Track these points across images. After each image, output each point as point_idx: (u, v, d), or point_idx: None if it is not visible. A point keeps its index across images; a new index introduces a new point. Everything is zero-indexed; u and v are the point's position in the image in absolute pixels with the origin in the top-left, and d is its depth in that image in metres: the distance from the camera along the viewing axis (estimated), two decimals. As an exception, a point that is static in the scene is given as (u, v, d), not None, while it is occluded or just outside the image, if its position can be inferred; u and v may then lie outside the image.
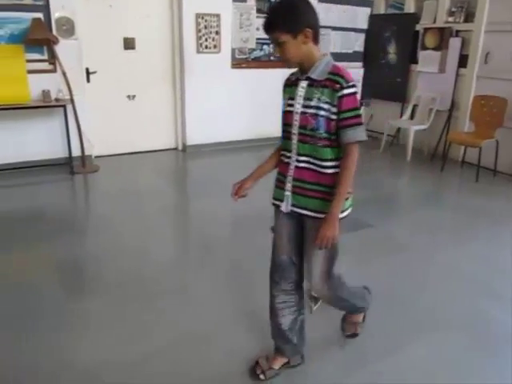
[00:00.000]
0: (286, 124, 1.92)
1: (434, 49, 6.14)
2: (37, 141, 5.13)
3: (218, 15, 5.85)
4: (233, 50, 6.16)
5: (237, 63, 6.24)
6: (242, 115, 6.43)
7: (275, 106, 6.57)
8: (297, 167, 1.90)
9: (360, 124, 1.80)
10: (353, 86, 1.77)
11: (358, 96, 2.99)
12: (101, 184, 4.96)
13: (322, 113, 1.78)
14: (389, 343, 2.42)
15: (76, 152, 5.16)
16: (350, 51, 7.22)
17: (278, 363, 2.16)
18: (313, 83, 1.80)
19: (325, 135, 1.81)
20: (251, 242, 3.59)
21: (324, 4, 6.69)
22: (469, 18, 5.77)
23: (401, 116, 6.66)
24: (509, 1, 5.28)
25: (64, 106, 4.92)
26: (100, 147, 5.62)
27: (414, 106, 6.42)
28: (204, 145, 6.23)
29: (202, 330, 2.47)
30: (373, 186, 5.03)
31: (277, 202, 2.01)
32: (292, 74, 1.95)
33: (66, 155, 5.10)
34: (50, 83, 4.94)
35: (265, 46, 6.37)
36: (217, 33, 5.92)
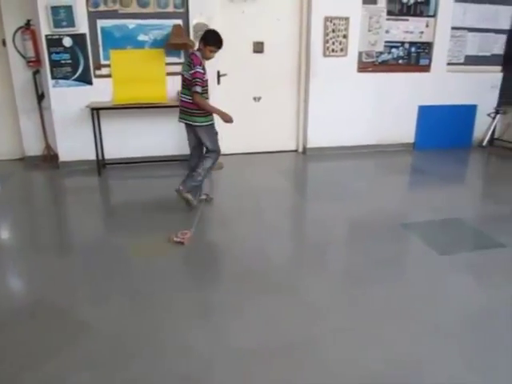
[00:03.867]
0: (207, 86, 3.96)
1: None
2: (171, 138, 5.56)
3: (346, 18, 5.81)
4: (359, 54, 6.06)
5: (363, 67, 6.13)
6: (366, 120, 6.30)
7: (402, 111, 6.39)
8: None
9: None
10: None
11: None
12: (225, 181, 5.22)
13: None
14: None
15: (203, 150, 5.49)
16: (488, 54, 6.68)
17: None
18: None
19: None
20: (367, 248, 3.50)
21: (461, 4, 6.29)
22: None
23: (545, 126, 6.00)
24: None
25: (196, 106, 5.25)
26: (226, 146, 5.88)
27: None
28: (324, 148, 6.22)
29: (309, 334, 2.47)
30: (506, 203, 4.59)
31: (212, 122, 4.04)
32: (201, 61, 3.85)
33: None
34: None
35: (393, 50, 6.17)
36: (344, 36, 5.87)
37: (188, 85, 3.86)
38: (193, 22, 5.29)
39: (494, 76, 6.79)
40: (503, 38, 6.66)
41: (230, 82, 5.75)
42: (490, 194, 5.15)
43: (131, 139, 5.53)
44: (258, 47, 5.79)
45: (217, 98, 5.57)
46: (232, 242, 3.59)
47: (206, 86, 3.92)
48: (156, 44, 5.27)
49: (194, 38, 5.27)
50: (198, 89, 3.78)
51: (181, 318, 2.58)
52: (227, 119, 3.97)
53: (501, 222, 4.09)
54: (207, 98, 3.98)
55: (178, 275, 3.11)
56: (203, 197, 4.40)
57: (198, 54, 3.85)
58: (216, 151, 4.10)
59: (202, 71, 3.79)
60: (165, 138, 5.56)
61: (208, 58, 3.92)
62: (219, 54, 5.48)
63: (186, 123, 4.04)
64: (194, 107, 3.89)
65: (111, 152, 5.55)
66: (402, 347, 2.37)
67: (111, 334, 2.42)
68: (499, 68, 6.79)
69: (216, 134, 4.13)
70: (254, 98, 5.98)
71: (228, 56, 5.65)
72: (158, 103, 5.16)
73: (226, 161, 5.68)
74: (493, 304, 2.79)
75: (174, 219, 4.00)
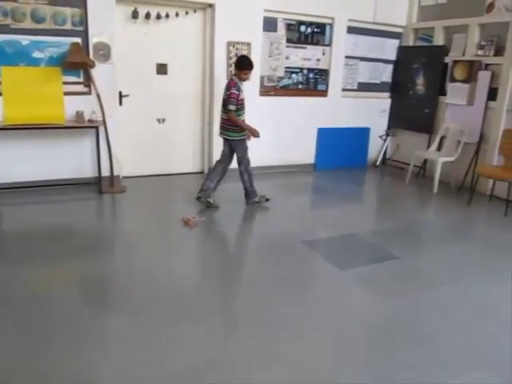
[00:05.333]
0: (243, 104, 4.70)
1: (463, 81, 6.14)
2: (69, 160, 5.28)
3: (248, 44, 5.99)
4: (262, 78, 6.27)
5: (265, 91, 6.35)
6: (268, 142, 6.48)
7: (302, 133, 6.69)
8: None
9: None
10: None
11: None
12: (128, 204, 5.05)
13: None
14: (419, 379, 2.35)
15: (105, 172, 5.28)
16: (378, 81, 7.27)
17: None
18: None
19: None
20: (271, 267, 3.58)
21: (353, 35, 6.80)
22: (499, 51, 5.77)
23: (428, 147, 6.63)
24: (540, 36, 5.27)
25: (96, 128, 5.07)
26: (129, 168, 5.75)
27: (442, 138, 6.38)
28: (230, 169, 6.27)
29: (224, 356, 2.46)
30: (398, 218, 4.98)
31: (244, 137, 4.78)
32: (237, 83, 4.60)
33: (96, 175, 5.23)
34: (84, 105, 5.11)
35: (293, 75, 6.47)
36: (247, 61, 6.04)
37: (224, 104, 4.64)
38: (93, 40, 5.13)
39: (383, 101, 7.38)
40: (390, 67, 7.30)
41: (133, 103, 5.64)
42: (383, 210, 5.55)
43: (24, 163, 5.13)
44: (162, 69, 5.76)
45: (119, 119, 5.46)
46: (137, 268, 3.46)
47: (242, 104, 4.67)
48: (52, 62, 5.01)
49: (93, 57, 5.11)
50: (232, 107, 4.54)
51: (83, 349, 2.42)
52: (255, 134, 4.71)
53: (394, 236, 4.41)
54: (242, 115, 4.72)
55: (78, 305, 2.93)
56: (256, 199, 5.07)
57: (234, 78, 4.66)
58: (245, 159, 4.87)
59: (236, 92, 4.53)
60: (61, 160, 5.25)
61: (244, 80, 4.70)
62: (121, 74, 5.43)
63: (223, 137, 4.83)
64: (229, 123, 4.67)
65: (1, 176, 5.12)
66: (310, 363, 2.43)
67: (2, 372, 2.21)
68: (388, 94, 7.41)
69: (247, 148, 4.86)
70: (158, 120, 5.91)
71: (131, 77, 5.56)
72: (54, 124, 4.89)
73: (130, 184, 5.53)
74: (391, 313, 2.99)
75: (68, 247, 3.78)
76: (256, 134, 4.71)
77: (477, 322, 2.94)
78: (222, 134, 4.83)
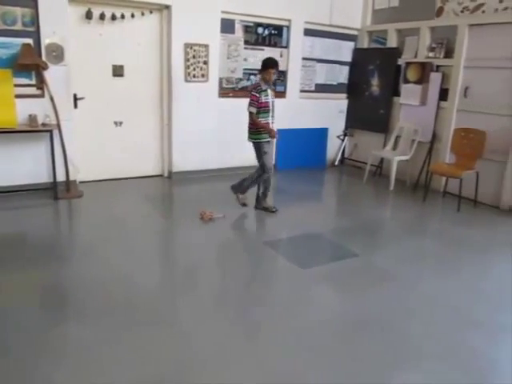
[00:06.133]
0: (268, 107, 4.69)
1: (416, 82, 6.34)
2: (22, 165, 5.09)
3: (206, 45, 5.98)
4: (220, 80, 6.27)
5: (224, 92, 6.35)
6: (229, 143, 6.50)
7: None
8: (272, 124, 4.76)
9: None
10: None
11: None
12: (85, 209, 4.92)
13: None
14: (376, 372, 2.42)
15: (61, 177, 5.13)
16: (335, 83, 7.41)
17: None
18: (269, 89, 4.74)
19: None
20: (234, 269, 3.59)
21: (309, 37, 6.90)
22: (448, 53, 6.00)
23: (384, 147, 6.81)
24: (486, 38, 5.52)
25: (50, 131, 4.92)
26: (86, 173, 5.61)
27: (397, 137, 6.58)
28: (190, 172, 6.25)
29: (188, 360, 2.44)
30: (356, 216, 5.09)
31: (268, 139, 4.73)
32: (259, 86, 4.68)
33: (51, 180, 5.07)
34: (38, 108, 4.95)
35: (252, 76, 6.50)
36: (205, 62, 6.03)
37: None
38: (45, 41, 4.98)
39: (340, 102, 7.53)
40: (346, 68, 7.45)
41: (88, 106, 5.50)
42: (343, 209, 5.66)
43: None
44: (118, 71, 5.65)
45: (75, 122, 5.32)
46: (93, 276, 3.38)
47: (266, 107, 4.69)
48: (2, 64, 4.83)
49: (46, 58, 4.96)
50: (253, 109, 4.65)
51: (39, 362, 2.35)
52: (273, 135, 4.73)
53: (353, 234, 4.51)
54: (267, 118, 4.73)
55: (32, 315, 2.83)
56: (241, 200, 5.12)
57: (260, 81, 4.76)
58: (262, 165, 4.80)
59: (256, 95, 4.60)
60: (14, 166, 5.05)
61: (270, 81, 4.71)
62: (75, 77, 5.29)
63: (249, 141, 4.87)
64: (250, 126, 4.77)
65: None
66: (271, 363, 2.45)
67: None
68: (345, 95, 7.56)
69: (265, 152, 4.75)
70: (116, 123, 5.79)
71: (86, 79, 5.43)
72: (6, 128, 4.71)
73: (88, 189, 5.40)
74: (352, 309, 3.05)
75: (22, 255, 3.66)
76: (273, 135, 4.72)
77: (432, 314, 3.05)
78: (247, 137, 4.86)
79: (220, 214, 4.68)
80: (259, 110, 4.64)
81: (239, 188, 5.06)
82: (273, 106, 4.76)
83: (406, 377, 2.39)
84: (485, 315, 3.07)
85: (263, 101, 4.63)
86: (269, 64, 4.64)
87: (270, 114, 4.75)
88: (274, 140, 4.88)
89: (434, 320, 2.99)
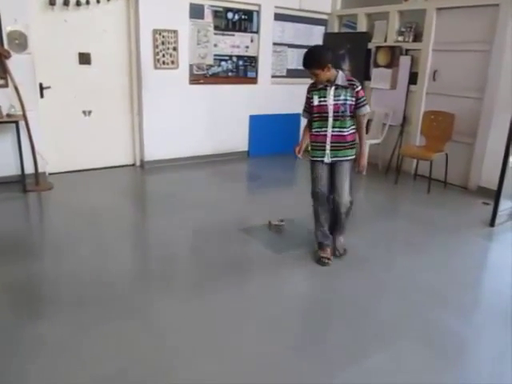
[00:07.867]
0: (321, 112, 3.36)
1: (386, 66, 6.40)
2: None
3: (175, 31, 5.87)
4: (191, 66, 6.18)
5: (195, 79, 6.27)
6: (201, 130, 6.45)
7: (234, 121, 6.70)
8: (332, 135, 3.38)
9: (366, 104, 3.40)
10: (360, 84, 3.38)
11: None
12: (55, 202, 4.82)
13: (348, 102, 3.31)
14: (351, 352, 2.46)
15: (29, 169, 5.00)
16: (306, 68, 7.39)
17: (330, 252, 3.60)
18: (337, 87, 3.30)
19: (348, 114, 3.34)
20: (210, 257, 3.59)
21: (280, 22, 6.86)
22: (417, 37, 6.06)
23: (356, 131, 6.85)
24: (454, 22, 5.60)
25: (16, 122, 4.78)
26: (55, 164, 5.49)
27: (369, 121, 6.63)
28: (162, 160, 6.18)
29: (162, 354, 2.44)
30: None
31: (319, 159, 3.46)
32: (314, 84, 3.39)
33: (19, 173, 4.94)
34: (2, 99, 4.80)
35: (223, 63, 6.43)
36: (174, 49, 5.93)
37: (351, 110, 3.37)
38: (7, 29, 4.80)
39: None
40: (317, 53, 7.44)
41: (55, 96, 5.35)
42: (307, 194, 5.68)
43: None
44: (85, 58, 5.50)
45: (42, 113, 5.17)
46: (64, 270, 3.32)
47: (319, 112, 3.35)
48: (-38, 53, 4.66)
49: (8, 47, 4.79)
50: (303, 113, 3.57)
51: (12, 361, 2.31)
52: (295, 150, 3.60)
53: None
54: (323, 127, 3.38)
55: (2, 312, 2.78)
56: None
57: (348, 75, 3.49)
58: (312, 191, 3.59)
59: (307, 95, 3.43)
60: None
61: (318, 82, 3.32)
62: (40, 65, 5.14)
63: (335, 161, 3.51)
64: (349, 139, 3.44)
65: None
66: (248, 350, 2.47)
67: None
68: (316, 80, 7.56)
69: (312, 172, 3.54)
70: (84, 112, 5.66)
71: (51, 67, 5.27)
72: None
73: (57, 180, 5.28)
74: (327, 292, 3.09)
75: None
76: (295, 151, 3.62)
77: (404, 294, 3.12)
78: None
79: (282, 222, 4.27)
80: (313, 116, 3.42)
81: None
82: (338, 110, 3.32)
83: (379, 356, 2.44)
84: (456, 293, 3.16)
85: (314, 104, 3.38)
86: (303, 64, 3.34)
87: (330, 123, 3.35)
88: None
89: (407, 299, 3.06)
